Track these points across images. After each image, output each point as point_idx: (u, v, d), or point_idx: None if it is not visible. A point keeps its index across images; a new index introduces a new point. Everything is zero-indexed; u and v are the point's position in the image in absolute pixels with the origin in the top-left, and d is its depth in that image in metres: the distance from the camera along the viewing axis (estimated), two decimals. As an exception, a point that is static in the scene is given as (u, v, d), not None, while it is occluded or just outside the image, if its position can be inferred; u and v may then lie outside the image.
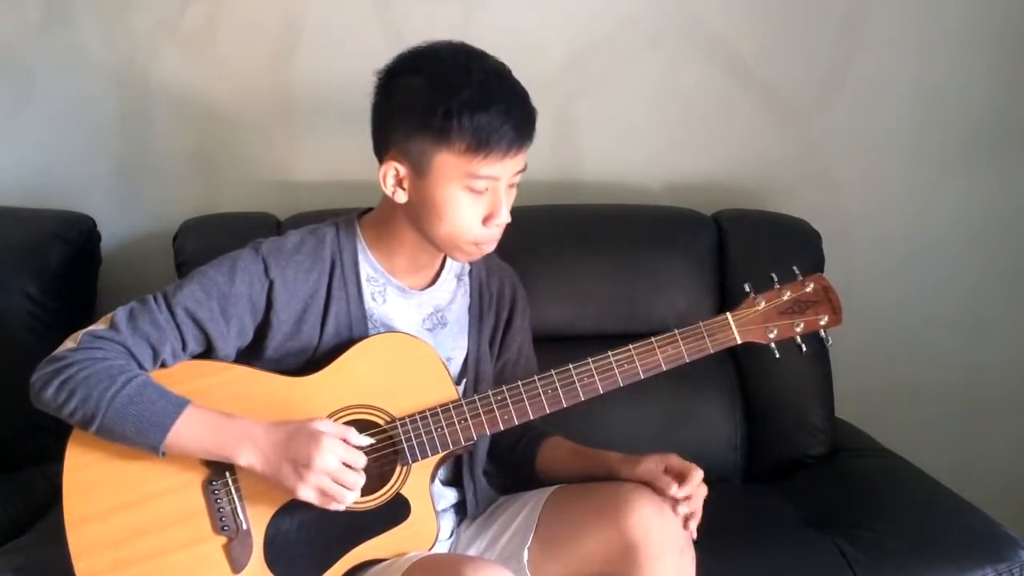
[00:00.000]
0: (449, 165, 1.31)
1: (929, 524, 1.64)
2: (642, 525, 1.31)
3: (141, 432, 1.26)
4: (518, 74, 1.37)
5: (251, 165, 2.16)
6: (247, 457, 1.28)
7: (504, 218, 1.36)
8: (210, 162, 2.15)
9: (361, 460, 1.29)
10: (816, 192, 2.19)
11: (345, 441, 1.29)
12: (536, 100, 1.36)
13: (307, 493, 1.27)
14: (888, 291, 2.23)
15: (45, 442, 1.77)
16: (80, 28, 2.08)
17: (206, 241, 1.86)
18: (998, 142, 2.21)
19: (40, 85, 2.11)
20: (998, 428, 2.32)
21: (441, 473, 1.49)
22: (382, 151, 1.37)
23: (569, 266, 1.94)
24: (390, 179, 1.36)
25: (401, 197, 1.37)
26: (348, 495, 1.28)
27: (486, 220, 1.35)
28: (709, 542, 1.40)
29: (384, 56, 1.39)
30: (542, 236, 1.94)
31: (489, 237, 1.37)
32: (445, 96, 1.29)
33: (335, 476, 1.27)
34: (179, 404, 1.28)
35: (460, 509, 1.53)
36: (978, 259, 2.26)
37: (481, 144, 1.29)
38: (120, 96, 2.12)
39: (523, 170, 1.37)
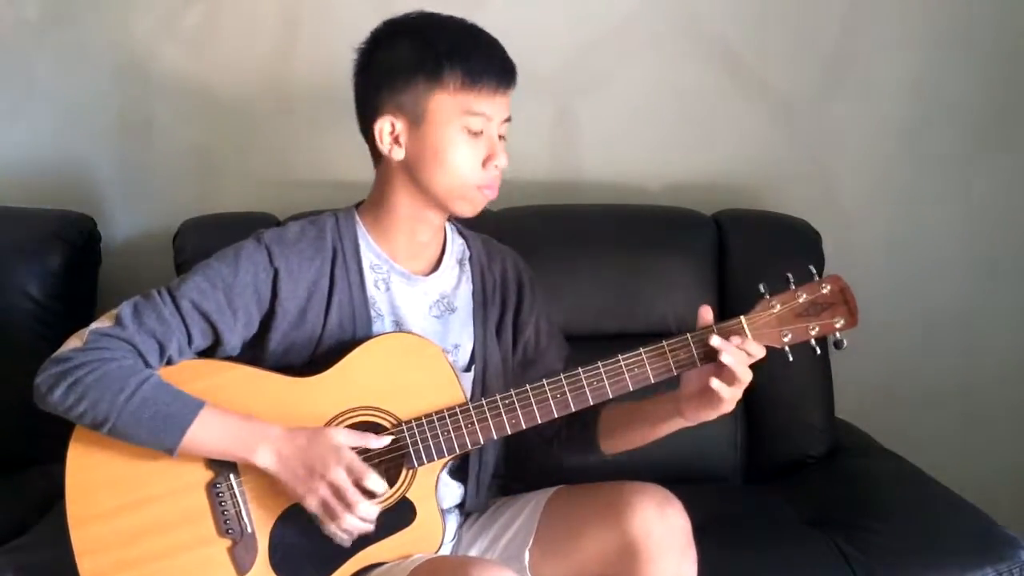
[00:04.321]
0: (446, 106, 1.35)
1: (929, 524, 1.65)
2: (644, 526, 1.31)
3: (156, 435, 1.26)
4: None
5: (251, 164, 2.15)
6: (264, 458, 1.28)
7: (503, 161, 1.38)
8: (210, 162, 2.15)
9: (371, 477, 1.28)
10: (817, 192, 2.19)
11: (367, 448, 1.29)
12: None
13: (313, 502, 1.27)
14: (888, 290, 2.22)
15: (46, 442, 1.76)
16: (80, 27, 2.08)
17: (206, 241, 1.84)
18: (998, 142, 2.21)
19: (40, 85, 2.11)
20: (998, 428, 2.32)
21: (447, 467, 1.48)
22: (373, 114, 1.38)
23: (568, 266, 1.93)
24: (386, 136, 1.37)
25: (399, 153, 1.38)
26: (348, 519, 1.27)
27: (485, 162, 1.37)
28: (709, 542, 1.40)
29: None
30: (542, 236, 1.94)
31: (491, 180, 1.39)
32: (432, 45, 1.35)
33: (343, 492, 1.26)
34: (195, 406, 1.28)
35: (463, 509, 1.52)
36: (978, 258, 2.26)
37: (474, 79, 1.34)
38: (120, 96, 2.12)
39: (509, 120, 1.40)
